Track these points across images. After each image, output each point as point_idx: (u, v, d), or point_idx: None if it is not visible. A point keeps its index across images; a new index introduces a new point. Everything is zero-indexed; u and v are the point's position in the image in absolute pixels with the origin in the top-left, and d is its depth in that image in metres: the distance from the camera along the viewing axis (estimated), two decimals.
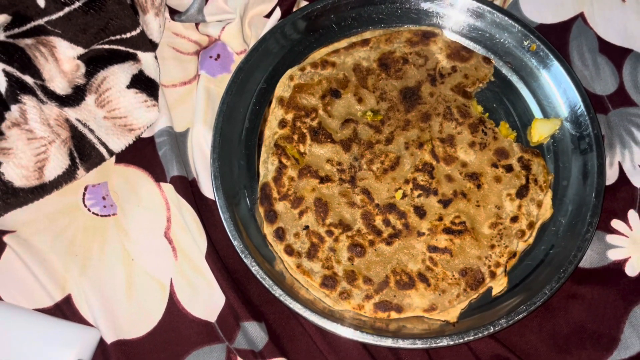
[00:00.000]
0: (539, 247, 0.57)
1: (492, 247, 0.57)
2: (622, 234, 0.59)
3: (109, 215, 0.59)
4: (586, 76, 0.65)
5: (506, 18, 0.63)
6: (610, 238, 0.59)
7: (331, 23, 0.65)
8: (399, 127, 0.61)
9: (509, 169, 0.59)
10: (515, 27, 0.63)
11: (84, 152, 0.59)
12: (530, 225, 0.57)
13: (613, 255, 0.58)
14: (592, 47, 0.66)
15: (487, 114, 0.62)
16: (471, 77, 0.63)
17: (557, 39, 0.66)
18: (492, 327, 0.52)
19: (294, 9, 0.67)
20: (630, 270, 0.57)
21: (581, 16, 0.67)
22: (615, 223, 0.59)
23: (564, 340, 0.55)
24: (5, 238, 0.57)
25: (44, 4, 0.60)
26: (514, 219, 0.57)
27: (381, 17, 0.66)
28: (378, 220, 0.58)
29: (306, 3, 0.67)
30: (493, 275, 0.56)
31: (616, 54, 0.66)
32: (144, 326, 0.56)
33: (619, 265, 0.58)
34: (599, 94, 0.64)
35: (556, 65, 0.62)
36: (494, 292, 0.56)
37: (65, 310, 0.56)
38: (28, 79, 0.58)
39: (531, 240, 0.58)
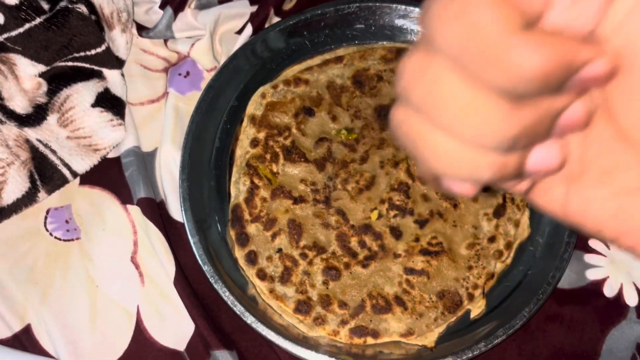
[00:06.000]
0: (517, 268, 0.56)
1: (470, 268, 0.55)
2: (600, 254, 0.58)
3: (72, 240, 0.57)
4: None
5: None
6: (588, 257, 0.58)
7: (304, 40, 0.64)
8: (374, 145, 0.60)
9: (485, 187, 0.58)
10: None
11: (45, 173, 0.56)
12: (508, 246, 0.56)
13: (591, 275, 0.57)
14: None
15: None
16: None
17: None
18: (470, 352, 0.51)
19: (266, 26, 0.66)
20: (609, 291, 0.56)
21: None
22: (593, 242, 0.58)
23: None
24: None
25: (3, 20, 0.57)
26: (492, 239, 0.56)
27: (355, 34, 0.65)
28: (353, 242, 0.56)
29: (278, 19, 0.66)
30: (471, 297, 0.54)
31: None
32: (108, 356, 0.53)
33: (598, 285, 0.57)
34: None
35: None
36: (472, 315, 0.55)
37: (24, 341, 0.53)
38: None
39: (509, 260, 0.57)
